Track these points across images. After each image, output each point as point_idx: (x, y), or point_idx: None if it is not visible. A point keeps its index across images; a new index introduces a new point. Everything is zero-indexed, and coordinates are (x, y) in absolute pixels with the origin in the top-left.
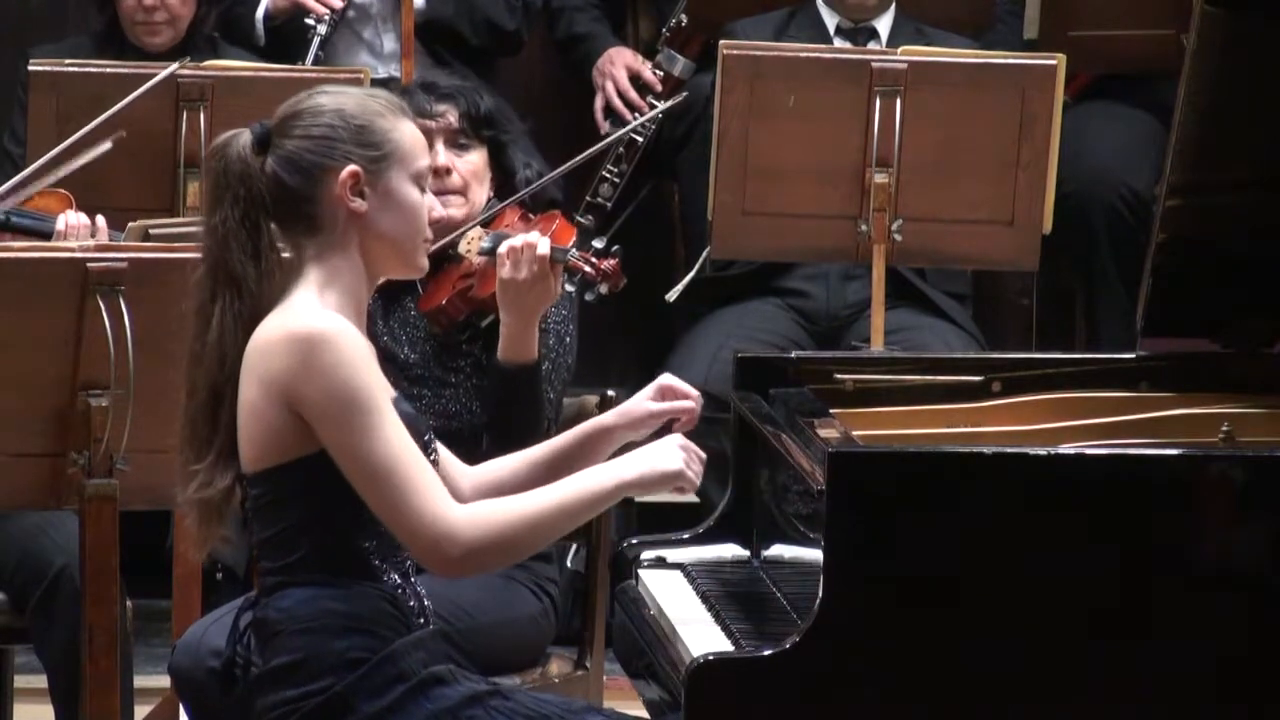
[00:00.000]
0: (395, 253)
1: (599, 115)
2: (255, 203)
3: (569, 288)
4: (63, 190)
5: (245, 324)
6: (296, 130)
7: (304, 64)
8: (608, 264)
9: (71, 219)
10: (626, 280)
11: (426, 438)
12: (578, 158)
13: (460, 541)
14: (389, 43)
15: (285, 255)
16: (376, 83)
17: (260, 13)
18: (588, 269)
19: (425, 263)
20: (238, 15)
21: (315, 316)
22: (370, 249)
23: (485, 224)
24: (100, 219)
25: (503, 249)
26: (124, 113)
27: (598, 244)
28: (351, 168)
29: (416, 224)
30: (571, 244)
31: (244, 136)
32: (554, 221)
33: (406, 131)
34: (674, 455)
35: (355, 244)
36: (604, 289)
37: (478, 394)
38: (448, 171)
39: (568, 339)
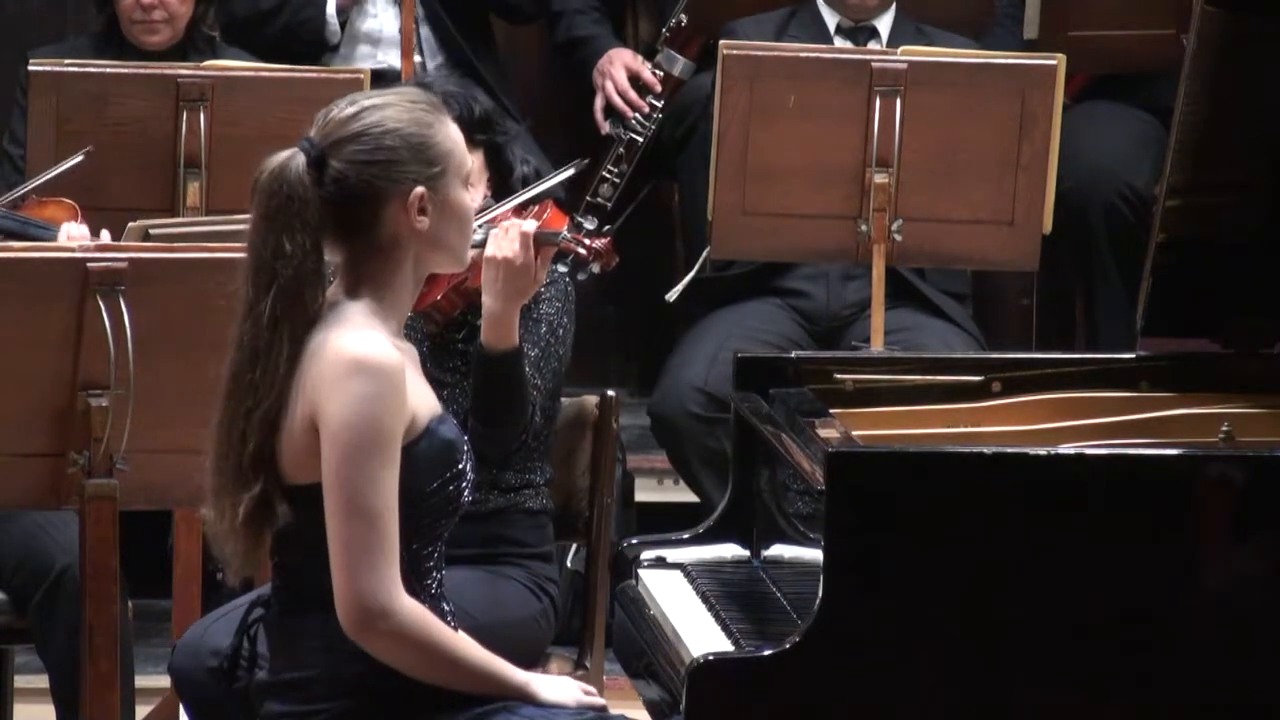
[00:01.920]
0: (449, 255)
1: (599, 115)
2: (318, 228)
3: (561, 268)
4: (68, 200)
5: (303, 341)
6: (357, 154)
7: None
8: (599, 243)
9: (74, 230)
10: (619, 259)
11: (462, 464)
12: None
13: (391, 621)
14: (388, 28)
15: (335, 260)
16: (375, 76)
17: (331, 8)
18: (580, 250)
19: (469, 257)
20: (307, 19)
21: (366, 341)
22: (426, 257)
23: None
24: (105, 233)
25: (494, 230)
26: (123, 112)
27: (589, 225)
28: (419, 190)
29: (470, 226)
30: (564, 229)
31: (299, 159)
32: (546, 209)
33: (453, 134)
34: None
35: (412, 255)
36: (596, 268)
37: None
38: None
39: (560, 331)
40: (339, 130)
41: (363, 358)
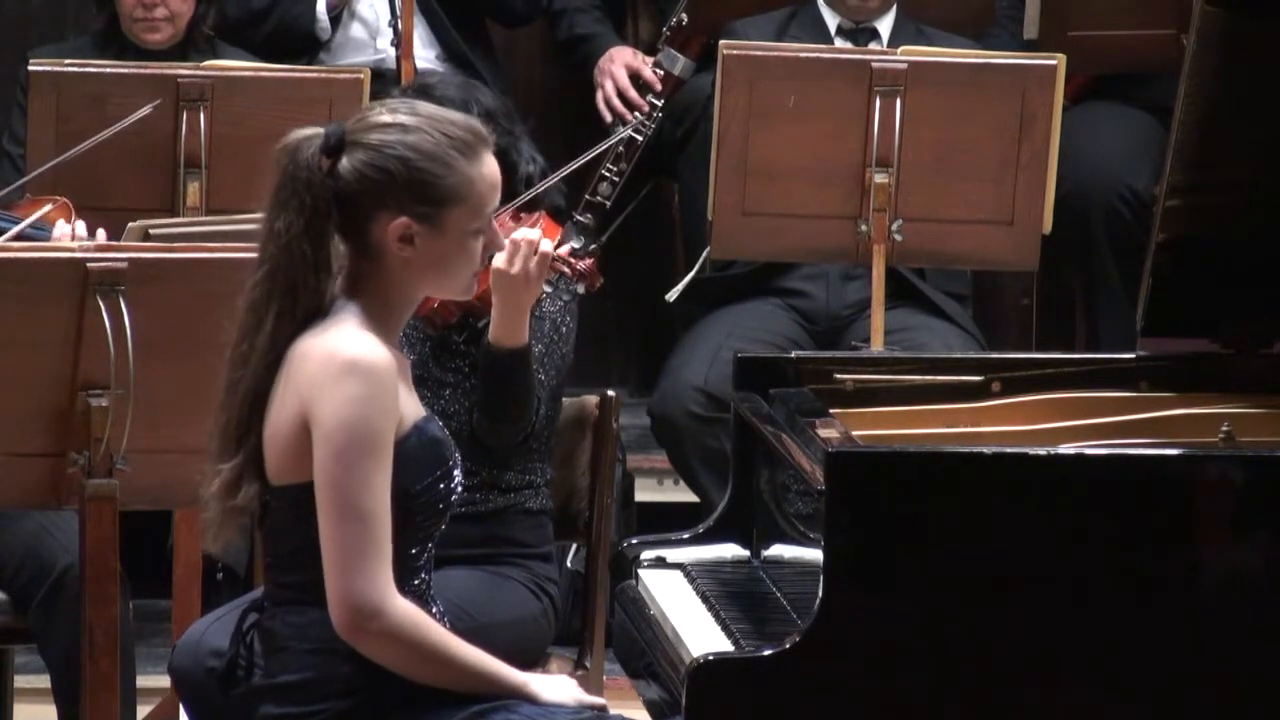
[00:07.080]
0: (439, 289)
1: (603, 109)
2: (319, 212)
3: (547, 289)
4: (62, 199)
5: (298, 329)
6: (360, 163)
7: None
8: (584, 265)
9: (66, 230)
10: (603, 280)
11: (451, 463)
12: (572, 162)
13: (384, 622)
14: (384, 19)
15: (342, 249)
16: (375, 75)
17: (321, 6)
18: (565, 269)
19: (475, 287)
20: (295, 16)
21: (359, 342)
22: (418, 284)
23: None
24: (101, 232)
25: (508, 241)
26: (123, 112)
27: (576, 245)
28: (402, 219)
29: (463, 275)
30: (554, 244)
31: (316, 141)
32: (539, 221)
33: (477, 175)
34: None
35: (399, 274)
36: (580, 289)
37: (474, 394)
38: None
39: (564, 328)
40: (364, 132)
41: (355, 359)
